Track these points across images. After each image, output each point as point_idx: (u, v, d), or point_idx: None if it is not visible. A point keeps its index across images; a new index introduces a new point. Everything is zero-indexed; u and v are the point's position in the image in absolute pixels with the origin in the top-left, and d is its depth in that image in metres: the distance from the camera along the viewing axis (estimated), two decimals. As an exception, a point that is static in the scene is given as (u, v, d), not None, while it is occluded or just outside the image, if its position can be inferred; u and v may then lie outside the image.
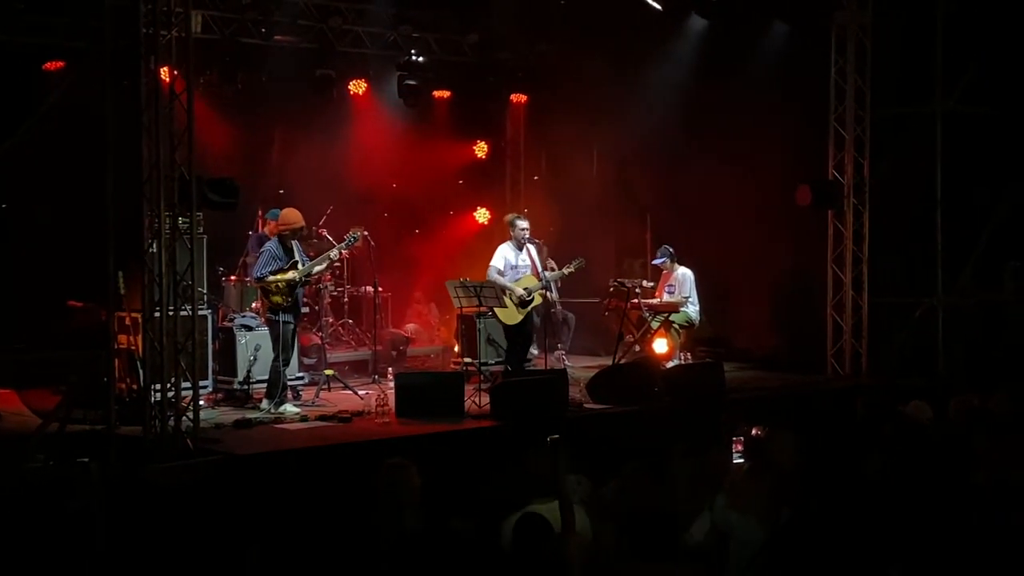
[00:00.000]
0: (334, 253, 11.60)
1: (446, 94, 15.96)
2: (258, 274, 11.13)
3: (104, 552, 7.73)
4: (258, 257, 11.45)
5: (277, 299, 11.04)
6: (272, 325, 11.17)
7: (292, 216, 11.32)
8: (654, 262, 14.05)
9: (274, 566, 5.21)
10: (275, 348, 11.09)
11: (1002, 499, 6.18)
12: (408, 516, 6.03)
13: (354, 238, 11.83)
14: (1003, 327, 13.69)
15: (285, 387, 11.14)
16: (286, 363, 11.13)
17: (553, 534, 5.54)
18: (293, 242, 11.29)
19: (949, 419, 8.61)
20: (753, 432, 8.18)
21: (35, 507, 7.93)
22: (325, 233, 13.21)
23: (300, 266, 11.16)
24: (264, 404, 11.04)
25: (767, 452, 7.27)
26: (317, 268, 11.40)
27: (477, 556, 5.57)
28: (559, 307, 14.25)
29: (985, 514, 6.07)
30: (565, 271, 12.45)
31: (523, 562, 5.31)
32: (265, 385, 11.30)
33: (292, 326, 11.24)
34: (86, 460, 8.36)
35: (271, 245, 11.24)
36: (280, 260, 11.09)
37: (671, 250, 13.73)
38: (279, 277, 11.00)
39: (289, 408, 10.95)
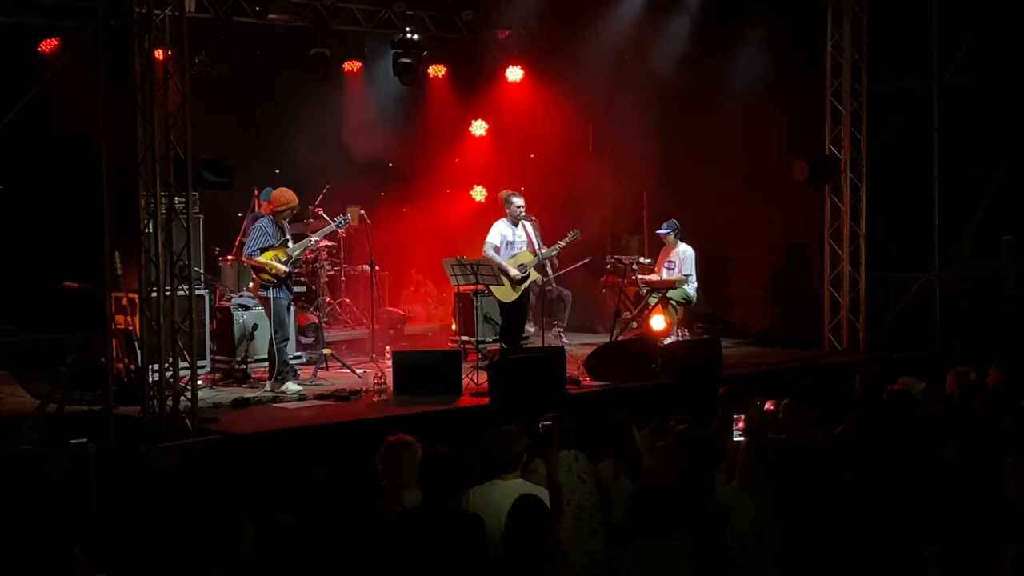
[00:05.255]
0: (316, 236, 11.79)
1: (441, 72, 15.92)
2: (248, 251, 11.17)
3: (93, 531, 7.74)
4: (249, 234, 11.46)
5: (266, 275, 11.08)
6: (264, 302, 11.23)
7: (285, 196, 11.34)
8: (658, 231, 13.92)
9: (269, 544, 5.20)
10: (271, 325, 11.13)
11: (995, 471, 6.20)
12: (408, 493, 6.03)
13: (344, 220, 11.84)
14: (999, 301, 13.71)
15: (286, 364, 11.15)
16: (284, 340, 11.14)
17: (547, 515, 5.54)
18: (284, 221, 11.33)
19: (946, 393, 8.64)
20: (766, 407, 8.18)
21: (30, 488, 7.95)
22: (322, 212, 13.18)
23: (290, 245, 11.21)
24: (267, 384, 11.07)
25: (784, 428, 7.28)
26: (298, 252, 11.45)
27: (472, 535, 5.58)
28: (554, 284, 14.23)
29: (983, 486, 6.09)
30: (561, 244, 12.43)
31: (516, 542, 5.31)
32: (265, 364, 11.39)
33: (284, 301, 11.24)
34: (84, 440, 8.37)
35: (264, 223, 11.29)
36: (271, 238, 11.16)
37: (678, 224, 13.68)
38: (267, 262, 11.01)
39: (291, 386, 10.97)
